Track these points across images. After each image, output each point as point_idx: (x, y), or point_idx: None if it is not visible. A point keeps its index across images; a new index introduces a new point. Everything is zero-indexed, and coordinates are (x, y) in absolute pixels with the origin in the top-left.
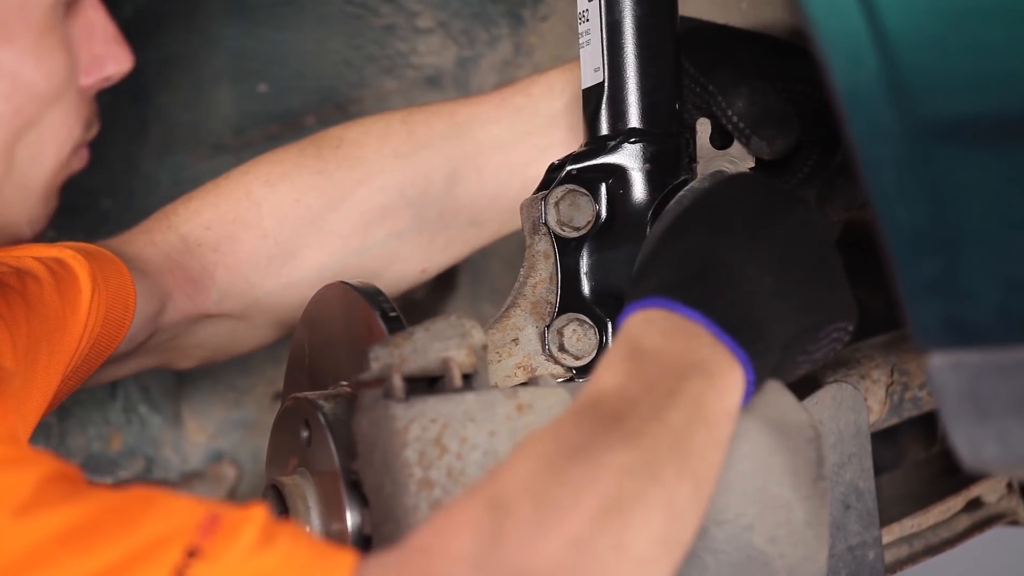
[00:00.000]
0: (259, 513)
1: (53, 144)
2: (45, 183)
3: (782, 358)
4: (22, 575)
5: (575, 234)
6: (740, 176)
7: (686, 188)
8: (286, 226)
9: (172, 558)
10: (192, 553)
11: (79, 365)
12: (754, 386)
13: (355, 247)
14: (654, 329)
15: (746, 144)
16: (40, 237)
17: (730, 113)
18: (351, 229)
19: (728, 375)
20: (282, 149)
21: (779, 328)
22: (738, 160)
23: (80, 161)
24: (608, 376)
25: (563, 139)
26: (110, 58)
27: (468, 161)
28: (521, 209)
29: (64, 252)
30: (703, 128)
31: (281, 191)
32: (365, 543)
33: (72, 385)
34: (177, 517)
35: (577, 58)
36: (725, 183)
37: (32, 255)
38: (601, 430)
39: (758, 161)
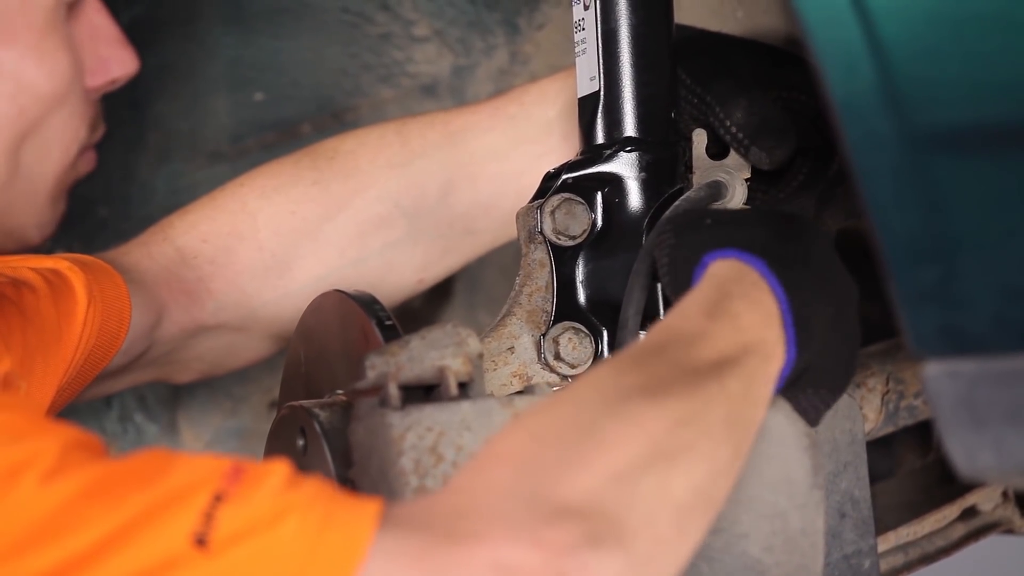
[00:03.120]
0: (282, 465)
1: (59, 146)
2: (52, 186)
3: (824, 369)
4: (52, 536)
5: (571, 243)
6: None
7: (682, 198)
8: (282, 238)
9: (200, 503)
10: (219, 498)
11: (74, 377)
12: (784, 384)
13: (351, 258)
14: (742, 289)
15: (744, 155)
16: (46, 242)
17: (728, 124)
18: (347, 240)
19: (777, 364)
20: (277, 161)
21: (817, 351)
22: (734, 170)
23: (87, 164)
24: (683, 323)
25: (557, 146)
26: (115, 60)
27: (462, 170)
28: (517, 218)
29: (60, 263)
30: (699, 139)
31: (277, 203)
32: None
33: (67, 397)
34: (203, 468)
35: (571, 66)
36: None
37: (29, 266)
38: (663, 375)
39: (754, 171)
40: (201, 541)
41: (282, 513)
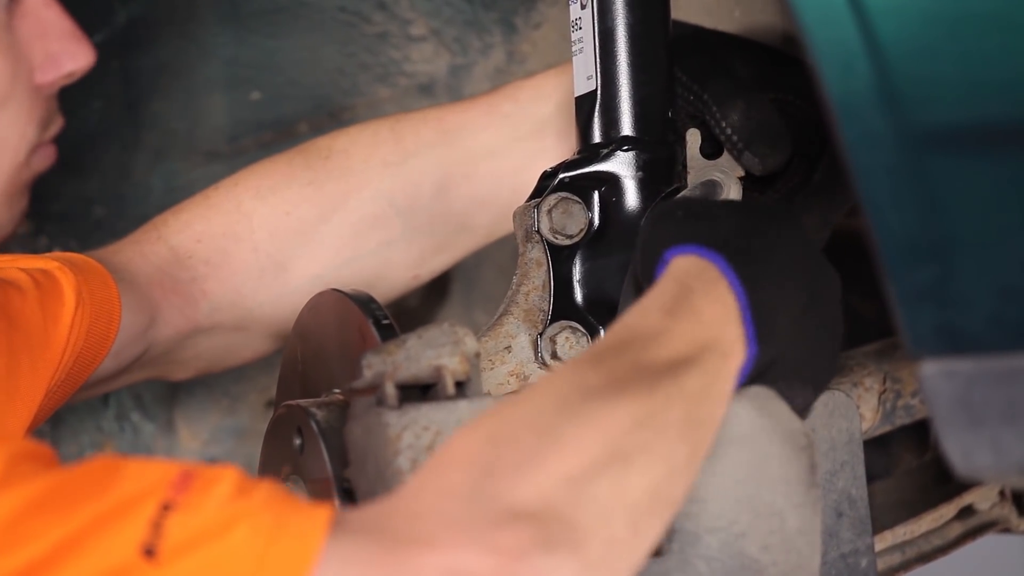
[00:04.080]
0: (232, 471)
1: (5, 147)
2: (3, 186)
3: (786, 366)
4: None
5: (568, 242)
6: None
7: (677, 196)
8: (277, 239)
9: (148, 512)
10: (167, 506)
11: (64, 379)
12: (745, 380)
13: (346, 257)
14: (703, 286)
15: (737, 158)
16: (15, 239)
17: (724, 125)
18: (342, 240)
19: (737, 360)
20: (270, 160)
21: (785, 345)
22: (728, 170)
23: (44, 160)
24: (642, 320)
25: (554, 144)
26: (67, 55)
27: (458, 168)
28: (514, 217)
29: (50, 263)
30: (693, 138)
31: (271, 203)
32: None
33: (58, 399)
34: (151, 476)
35: (566, 61)
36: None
37: (18, 266)
38: (621, 375)
39: (748, 173)
40: (150, 551)
41: (231, 521)
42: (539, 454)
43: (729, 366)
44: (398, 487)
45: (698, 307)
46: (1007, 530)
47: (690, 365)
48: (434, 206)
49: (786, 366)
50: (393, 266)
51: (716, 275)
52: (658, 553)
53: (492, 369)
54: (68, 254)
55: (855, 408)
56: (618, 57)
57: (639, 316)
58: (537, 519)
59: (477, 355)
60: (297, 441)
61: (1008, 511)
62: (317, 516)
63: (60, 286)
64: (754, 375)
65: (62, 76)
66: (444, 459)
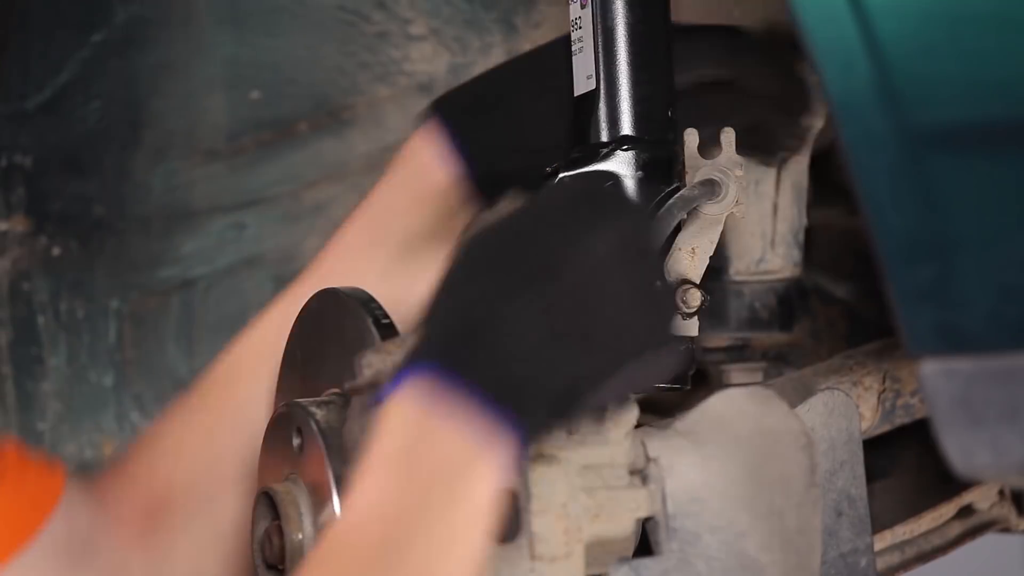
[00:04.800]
0: None
1: None
2: None
3: (565, 403)
4: None
5: None
6: (557, 187)
7: (676, 196)
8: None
9: None
10: None
11: None
12: (526, 441)
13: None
14: (409, 413)
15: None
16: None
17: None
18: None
19: (489, 452)
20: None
21: (548, 383)
22: (727, 169)
23: None
24: (361, 497)
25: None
26: None
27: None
28: None
29: None
30: (691, 138)
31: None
32: None
33: None
34: None
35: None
36: (540, 197)
37: None
38: None
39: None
40: None
41: None
42: None
43: (476, 471)
44: None
45: (405, 445)
46: (1007, 529)
47: (416, 527)
48: None
49: (569, 387)
50: None
51: (419, 389)
52: (657, 552)
53: None
54: None
55: (854, 407)
56: (618, 56)
57: (360, 481)
58: None
59: None
60: (296, 441)
61: (1008, 510)
62: None
63: None
64: (541, 416)
65: None
66: None
